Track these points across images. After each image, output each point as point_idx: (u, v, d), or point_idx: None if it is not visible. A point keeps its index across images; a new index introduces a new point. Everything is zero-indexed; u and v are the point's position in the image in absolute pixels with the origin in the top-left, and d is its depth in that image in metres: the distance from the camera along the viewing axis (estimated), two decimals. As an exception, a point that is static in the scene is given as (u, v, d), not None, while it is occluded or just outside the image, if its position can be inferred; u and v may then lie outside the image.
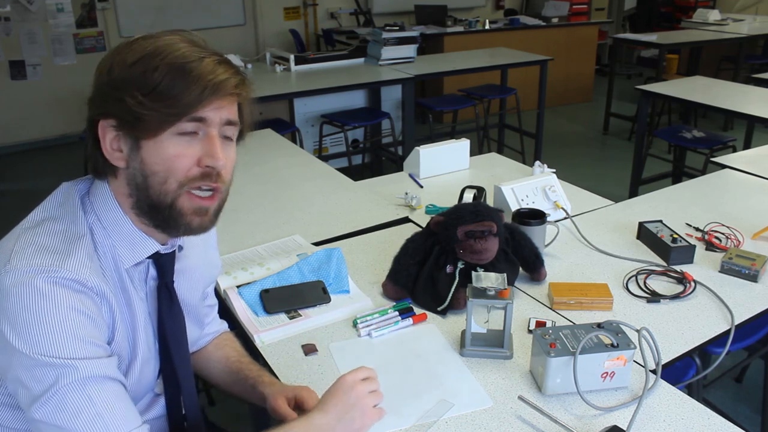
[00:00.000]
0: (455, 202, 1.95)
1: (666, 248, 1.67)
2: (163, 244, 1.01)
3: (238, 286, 1.53)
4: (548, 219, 1.69)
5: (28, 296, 0.84)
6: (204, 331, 1.26)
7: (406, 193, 2.05)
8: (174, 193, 0.93)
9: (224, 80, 0.91)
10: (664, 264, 1.66)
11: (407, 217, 1.98)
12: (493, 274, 1.31)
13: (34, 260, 0.86)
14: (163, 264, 1.03)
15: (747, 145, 3.99)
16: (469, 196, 1.95)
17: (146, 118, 0.88)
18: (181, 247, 1.08)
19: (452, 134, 4.79)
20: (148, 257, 1.00)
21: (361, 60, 4.69)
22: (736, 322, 1.41)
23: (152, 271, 1.03)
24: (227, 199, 1.01)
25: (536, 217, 1.65)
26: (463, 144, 2.38)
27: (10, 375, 0.87)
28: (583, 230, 1.83)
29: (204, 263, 1.18)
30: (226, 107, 0.94)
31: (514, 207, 1.85)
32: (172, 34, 0.93)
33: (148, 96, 0.87)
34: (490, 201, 1.98)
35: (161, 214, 0.94)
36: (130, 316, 0.99)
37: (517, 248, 1.56)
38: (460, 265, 1.44)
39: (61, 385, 0.84)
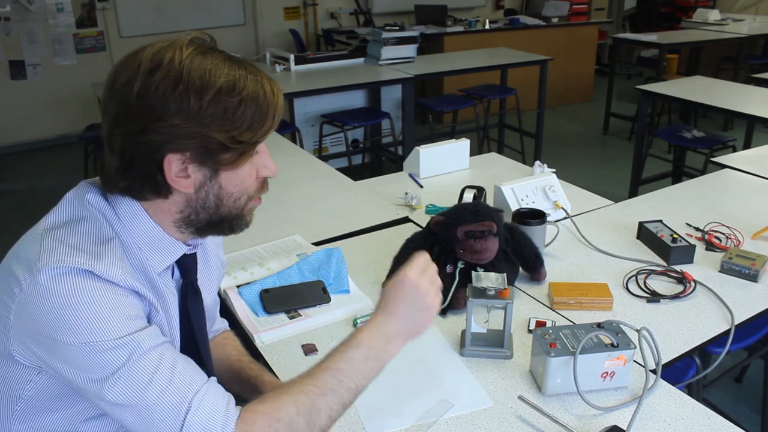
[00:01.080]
0: (455, 202, 1.95)
1: (666, 248, 1.67)
2: (187, 246, 1.03)
3: (238, 286, 1.53)
4: (548, 219, 1.69)
5: (67, 289, 0.84)
6: (210, 328, 1.27)
7: (406, 193, 2.05)
8: (244, 205, 0.98)
9: (281, 100, 0.95)
10: (664, 264, 1.66)
11: (407, 217, 1.98)
12: (493, 274, 1.31)
13: (65, 257, 0.85)
14: (187, 264, 1.05)
15: (747, 145, 3.99)
16: (469, 196, 1.95)
17: (233, 151, 0.91)
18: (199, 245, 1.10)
19: (452, 134, 4.79)
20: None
21: (361, 60, 4.69)
22: (736, 322, 1.41)
23: (176, 274, 1.05)
24: None
25: (536, 217, 1.65)
26: (463, 144, 2.38)
27: (64, 369, 0.87)
28: (583, 230, 1.83)
29: (215, 261, 1.19)
30: None
31: (514, 207, 1.85)
32: (205, 50, 0.91)
33: (239, 133, 0.90)
34: (490, 201, 1.98)
35: (228, 223, 0.99)
36: (168, 318, 1.00)
37: (517, 248, 1.56)
38: (460, 265, 1.44)
39: (133, 360, 0.85)
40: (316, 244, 1.78)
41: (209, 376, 1.08)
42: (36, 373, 0.93)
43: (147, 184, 0.92)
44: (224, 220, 0.98)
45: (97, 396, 0.86)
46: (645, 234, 1.78)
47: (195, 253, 1.07)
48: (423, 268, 1.02)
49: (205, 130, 0.88)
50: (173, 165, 0.90)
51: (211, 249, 1.18)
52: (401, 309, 0.99)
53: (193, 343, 1.07)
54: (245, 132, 0.90)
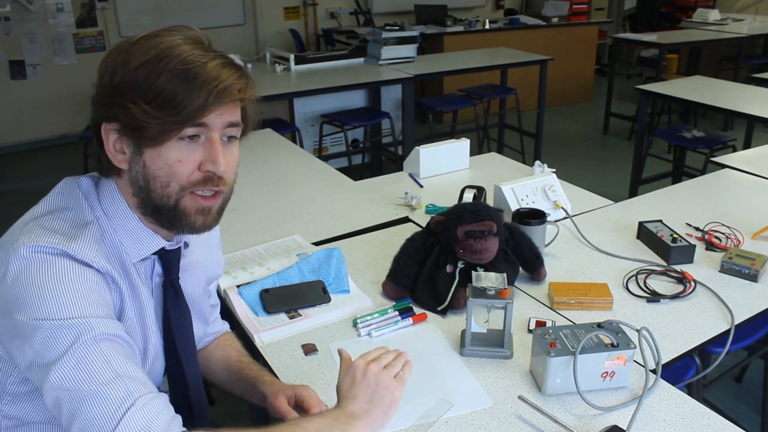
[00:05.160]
0: (455, 201, 1.95)
1: (666, 248, 1.67)
2: (168, 241, 1.02)
3: (238, 286, 1.53)
4: (548, 219, 1.69)
5: (35, 269, 0.84)
6: (207, 330, 1.27)
7: (406, 193, 2.05)
8: (177, 196, 0.93)
9: (228, 87, 0.90)
10: (664, 264, 1.66)
11: (407, 217, 1.98)
12: (493, 274, 1.31)
13: (40, 239, 0.86)
14: (169, 260, 1.03)
15: (747, 145, 3.99)
16: (469, 196, 1.95)
17: (149, 125, 0.88)
18: (186, 244, 1.08)
19: (452, 134, 4.79)
20: (154, 253, 1.01)
21: (361, 60, 4.69)
22: (736, 322, 1.41)
23: (158, 268, 1.03)
24: (231, 197, 1.02)
25: (536, 216, 1.65)
26: (463, 144, 2.38)
27: (27, 357, 0.85)
28: (583, 230, 1.83)
29: (208, 260, 1.18)
30: (229, 111, 0.93)
31: (514, 207, 1.85)
32: (175, 33, 0.92)
33: (152, 104, 0.87)
34: (490, 201, 1.98)
35: (165, 215, 0.95)
36: (139, 310, 0.99)
37: (517, 248, 1.56)
38: (460, 265, 1.44)
39: (79, 344, 0.82)
40: (316, 244, 1.78)
41: (188, 382, 1.06)
42: (14, 368, 0.92)
43: (101, 160, 0.95)
44: (160, 210, 0.95)
45: (41, 379, 0.83)
46: (645, 234, 1.78)
47: (179, 249, 1.05)
48: (372, 358, 1.03)
49: (122, 99, 0.88)
50: (109, 137, 0.92)
51: (204, 247, 1.16)
52: (358, 392, 0.99)
53: (171, 344, 1.05)
54: (164, 107, 0.87)
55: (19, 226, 0.92)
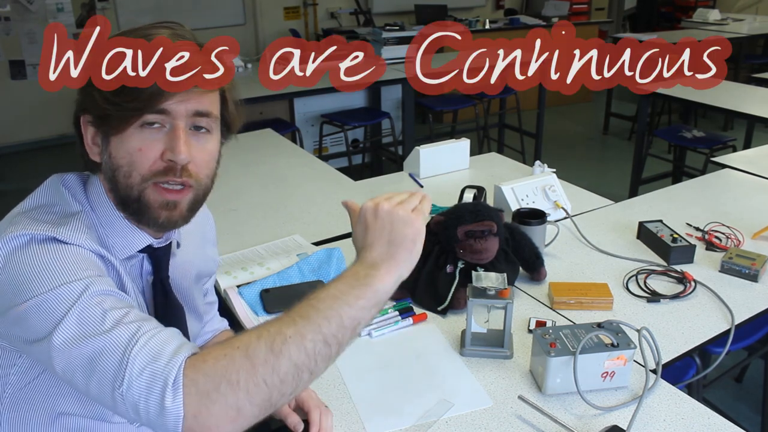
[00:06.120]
0: (455, 201, 1.95)
1: (666, 248, 1.67)
2: (157, 238, 1.00)
3: (238, 286, 1.53)
4: (548, 219, 1.69)
5: (23, 254, 0.84)
6: (204, 328, 1.26)
7: (406, 193, 2.05)
8: (139, 187, 0.91)
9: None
10: (664, 264, 1.66)
11: (407, 216, 1.97)
12: (493, 274, 1.31)
13: (27, 228, 0.86)
14: (158, 258, 1.01)
15: (747, 145, 3.99)
16: (469, 196, 1.95)
17: (111, 113, 0.88)
18: (178, 244, 1.07)
19: (452, 134, 4.79)
20: (142, 251, 0.99)
21: (361, 60, 4.69)
22: (736, 322, 1.41)
23: (147, 266, 1.01)
24: (208, 194, 0.98)
25: (536, 216, 1.65)
26: (463, 144, 2.38)
27: (32, 335, 0.82)
28: (583, 230, 1.83)
29: (200, 257, 1.16)
30: (195, 98, 0.90)
31: (514, 207, 1.85)
32: (159, 28, 0.94)
33: (114, 93, 0.87)
34: (490, 201, 1.98)
35: (130, 206, 0.93)
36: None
37: (517, 248, 1.56)
38: (460, 265, 1.44)
39: (78, 303, 0.80)
40: (316, 243, 1.78)
41: None
42: (18, 356, 0.91)
43: (83, 155, 0.95)
44: (125, 202, 0.93)
45: (48, 348, 0.80)
46: (645, 234, 1.78)
47: (168, 247, 1.03)
48: (385, 197, 0.92)
49: (90, 88, 0.89)
50: (87, 131, 0.93)
51: (198, 243, 1.15)
52: (374, 237, 0.88)
53: None
54: (122, 93, 0.86)
55: (7, 220, 0.92)
